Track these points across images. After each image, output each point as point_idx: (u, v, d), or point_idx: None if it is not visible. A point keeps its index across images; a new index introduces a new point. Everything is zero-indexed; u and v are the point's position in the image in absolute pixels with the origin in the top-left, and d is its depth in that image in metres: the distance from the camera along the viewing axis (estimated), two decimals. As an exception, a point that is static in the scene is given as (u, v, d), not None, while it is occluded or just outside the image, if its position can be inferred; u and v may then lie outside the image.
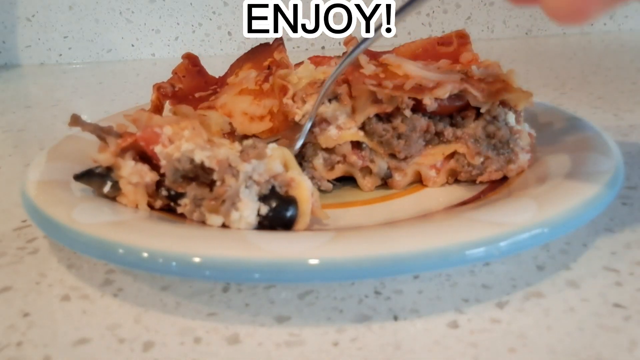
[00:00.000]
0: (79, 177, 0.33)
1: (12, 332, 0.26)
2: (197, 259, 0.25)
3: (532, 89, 0.38)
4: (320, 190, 0.38)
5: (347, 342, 0.24)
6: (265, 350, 0.24)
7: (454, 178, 0.38)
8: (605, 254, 0.29)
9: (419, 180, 0.39)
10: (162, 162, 0.31)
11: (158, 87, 0.43)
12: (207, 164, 0.29)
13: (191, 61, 0.48)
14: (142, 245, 0.26)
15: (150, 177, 0.32)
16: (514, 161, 0.37)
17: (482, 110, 0.37)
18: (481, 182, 0.37)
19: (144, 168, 0.32)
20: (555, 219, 0.26)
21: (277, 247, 0.25)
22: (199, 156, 0.29)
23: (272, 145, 0.31)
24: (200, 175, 0.30)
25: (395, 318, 0.25)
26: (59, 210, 0.29)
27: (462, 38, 0.43)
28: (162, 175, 0.31)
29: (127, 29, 1.03)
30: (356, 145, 0.38)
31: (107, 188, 0.32)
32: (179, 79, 0.45)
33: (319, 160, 0.38)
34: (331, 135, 0.37)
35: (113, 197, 0.33)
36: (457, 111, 0.38)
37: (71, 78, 0.93)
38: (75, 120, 0.33)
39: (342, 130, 0.37)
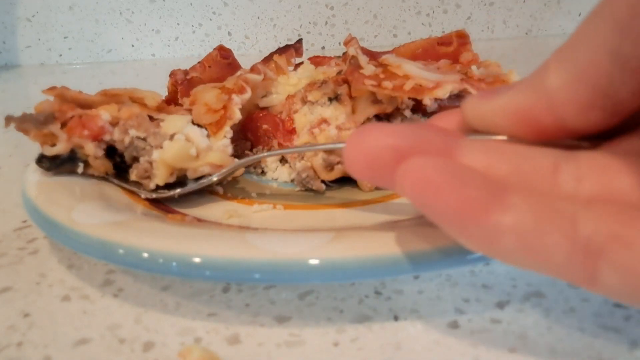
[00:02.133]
0: (50, 169, 0.34)
1: (12, 332, 0.26)
2: (197, 259, 0.25)
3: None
4: (312, 190, 0.38)
5: (348, 342, 0.24)
6: (265, 350, 0.24)
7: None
8: (605, 254, 0.29)
9: (419, 180, 0.39)
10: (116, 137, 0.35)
11: (171, 73, 0.45)
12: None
13: (221, 53, 0.48)
14: (142, 245, 0.26)
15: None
16: (514, 161, 0.37)
17: (482, 110, 0.37)
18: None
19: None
20: (555, 219, 0.26)
21: (277, 247, 0.25)
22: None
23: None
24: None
25: (396, 318, 0.25)
26: (59, 211, 0.29)
27: (462, 38, 0.43)
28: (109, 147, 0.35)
29: (127, 29, 1.03)
30: (356, 145, 0.38)
31: (80, 169, 0.35)
32: (203, 68, 0.46)
33: (318, 161, 0.38)
34: (331, 135, 0.37)
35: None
36: (457, 111, 0.37)
37: (71, 78, 0.93)
38: (9, 120, 0.34)
39: (342, 130, 0.37)
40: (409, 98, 0.36)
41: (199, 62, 0.47)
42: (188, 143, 0.34)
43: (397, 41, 1.04)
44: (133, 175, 0.35)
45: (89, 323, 0.26)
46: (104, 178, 0.36)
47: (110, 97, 0.37)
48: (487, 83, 0.37)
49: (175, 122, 0.35)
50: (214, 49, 0.49)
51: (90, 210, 0.30)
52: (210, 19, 1.03)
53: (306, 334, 0.25)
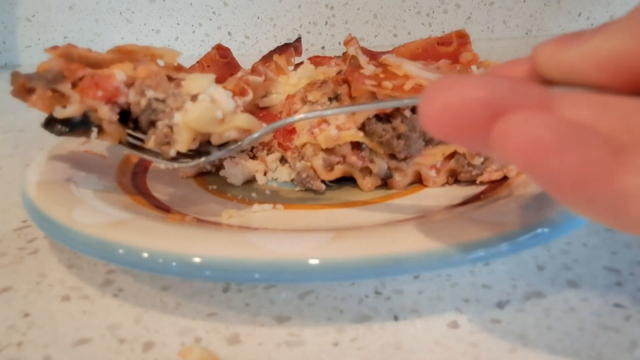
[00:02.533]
0: (62, 132, 0.31)
1: (13, 332, 0.26)
2: (197, 259, 0.25)
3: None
4: (312, 190, 0.38)
5: (348, 342, 0.24)
6: (265, 350, 0.24)
7: (454, 178, 0.38)
8: (605, 254, 0.29)
9: (419, 180, 0.39)
10: (131, 99, 0.31)
11: None
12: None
13: (220, 52, 0.48)
14: (142, 245, 0.26)
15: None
16: (514, 161, 0.37)
17: (482, 110, 0.37)
18: (481, 182, 0.37)
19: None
20: (555, 218, 0.26)
21: (277, 247, 0.25)
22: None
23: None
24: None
25: (396, 318, 0.25)
26: (59, 211, 0.29)
27: (462, 38, 0.43)
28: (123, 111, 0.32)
29: (127, 29, 1.03)
30: (356, 145, 0.38)
31: (94, 135, 0.32)
32: (202, 68, 0.45)
33: (318, 161, 0.38)
34: (331, 135, 0.37)
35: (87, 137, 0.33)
36: (457, 111, 0.37)
37: (71, 78, 0.93)
38: (15, 76, 0.31)
39: (342, 130, 0.37)
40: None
41: (197, 62, 0.47)
42: (213, 104, 0.30)
43: (397, 41, 1.04)
44: (151, 141, 0.31)
45: (89, 323, 0.26)
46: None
47: (124, 54, 0.33)
48: (487, 83, 0.37)
49: (198, 81, 0.31)
50: (213, 48, 0.49)
51: (90, 210, 0.30)
52: (210, 19, 1.03)
53: (306, 334, 0.25)
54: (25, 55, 1.05)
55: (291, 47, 0.47)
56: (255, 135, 0.32)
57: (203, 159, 0.32)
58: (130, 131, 0.32)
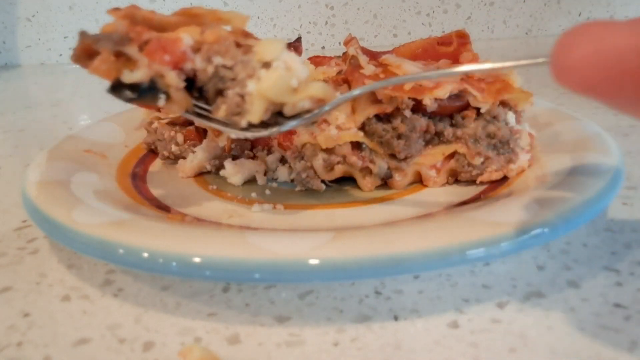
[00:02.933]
0: (130, 99, 0.29)
1: (13, 332, 0.26)
2: (197, 259, 0.25)
3: (532, 89, 0.38)
4: (312, 190, 0.38)
5: (348, 342, 0.24)
6: (265, 350, 0.24)
7: (454, 178, 0.38)
8: (605, 254, 0.29)
9: (419, 180, 0.39)
10: (198, 65, 0.29)
11: None
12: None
13: None
14: (142, 245, 0.26)
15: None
16: (514, 161, 0.37)
17: (482, 110, 0.37)
18: (481, 182, 0.37)
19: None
20: (555, 219, 0.26)
21: (277, 247, 0.25)
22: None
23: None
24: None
25: (396, 318, 0.25)
26: (59, 210, 0.29)
27: (462, 38, 0.43)
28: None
29: (127, 29, 1.03)
30: (356, 145, 0.38)
31: (162, 101, 0.29)
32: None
33: (318, 161, 0.38)
34: (331, 135, 0.37)
35: (157, 109, 0.30)
36: (457, 111, 0.38)
37: (71, 78, 0.93)
38: (83, 35, 0.29)
39: (342, 130, 0.37)
40: (409, 98, 0.36)
41: None
42: (288, 72, 0.28)
43: (397, 41, 1.04)
44: (221, 111, 0.29)
45: (89, 323, 0.26)
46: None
47: (190, 17, 0.31)
48: (487, 83, 0.37)
49: (271, 47, 0.29)
50: None
51: (90, 210, 0.30)
52: (210, 19, 1.03)
53: (306, 334, 0.25)
54: (25, 55, 1.05)
55: (291, 47, 0.47)
56: (329, 106, 0.29)
57: (276, 129, 0.29)
58: (194, 101, 0.30)
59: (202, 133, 0.43)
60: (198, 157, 0.41)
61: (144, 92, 0.29)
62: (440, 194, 0.37)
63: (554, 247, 0.30)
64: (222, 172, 0.41)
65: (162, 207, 0.36)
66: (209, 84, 0.30)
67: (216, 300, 0.27)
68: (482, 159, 0.37)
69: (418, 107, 0.36)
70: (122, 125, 0.48)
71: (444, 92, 0.35)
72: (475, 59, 0.40)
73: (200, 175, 0.42)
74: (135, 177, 0.41)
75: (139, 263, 0.25)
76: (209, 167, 0.42)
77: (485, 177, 0.37)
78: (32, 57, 1.05)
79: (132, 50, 0.28)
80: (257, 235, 0.27)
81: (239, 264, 0.24)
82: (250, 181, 0.41)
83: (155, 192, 0.39)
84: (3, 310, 0.27)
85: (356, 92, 0.31)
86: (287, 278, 0.25)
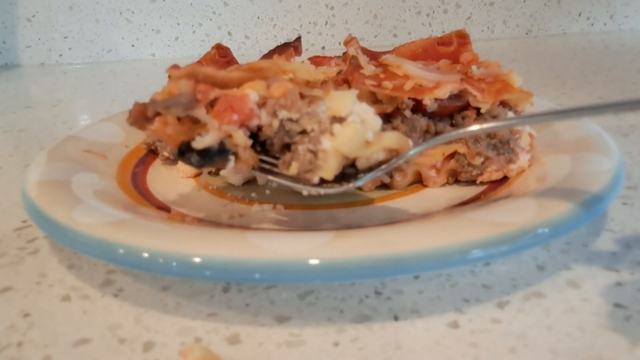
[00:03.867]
0: (201, 164, 0.28)
1: (13, 332, 0.26)
2: (197, 259, 0.25)
3: (532, 89, 0.38)
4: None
5: (348, 342, 0.24)
6: (265, 350, 0.24)
7: (454, 178, 0.38)
8: (605, 254, 0.29)
9: (419, 180, 0.39)
10: (263, 121, 0.28)
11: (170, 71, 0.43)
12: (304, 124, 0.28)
13: (220, 52, 0.48)
14: (142, 245, 0.26)
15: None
16: (514, 161, 0.37)
17: (482, 110, 0.37)
18: (481, 182, 0.37)
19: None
20: (555, 219, 0.26)
21: (277, 247, 0.25)
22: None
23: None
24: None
25: (396, 318, 0.25)
26: (59, 211, 0.29)
27: (462, 38, 0.43)
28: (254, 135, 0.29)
29: (127, 29, 1.03)
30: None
31: (232, 163, 0.28)
32: (201, 67, 0.45)
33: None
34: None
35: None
36: (457, 111, 0.38)
37: (71, 78, 0.93)
38: (153, 104, 0.27)
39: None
40: (409, 98, 0.36)
41: (197, 62, 0.47)
42: (363, 125, 0.27)
43: (397, 41, 1.04)
44: (293, 168, 0.28)
45: (89, 323, 0.26)
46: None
47: (253, 72, 0.30)
48: (487, 83, 0.37)
49: (343, 100, 0.28)
50: (212, 47, 0.49)
51: (90, 210, 0.30)
52: (210, 19, 1.03)
53: (306, 334, 0.25)
54: (25, 55, 1.05)
55: (291, 47, 0.47)
56: (405, 156, 0.28)
57: (352, 184, 0.28)
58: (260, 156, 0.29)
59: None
60: (198, 157, 0.41)
61: (214, 156, 0.28)
62: (440, 194, 0.37)
63: (554, 247, 0.30)
64: (222, 172, 0.41)
65: (162, 207, 0.36)
66: (275, 138, 0.29)
67: (216, 300, 0.27)
68: (482, 159, 0.37)
69: (418, 107, 0.36)
70: (122, 125, 0.48)
71: (444, 92, 0.35)
72: (475, 59, 0.40)
73: (200, 175, 0.42)
74: (135, 177, 0.41)
75: (139, 263, 0.25)
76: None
77: (485, 177, 0.37)
78: (32, 57, 1.05)
79: (201, 113, 0.27)
80: (257, 235, 0.27)
81: (239, 264, 0.24)
82: (250, 181, 0.41)
83: (155, 192, 0.39)
84: (3, 310, 0.27)
85: (434, 141, 0.30)
86: (287, 278, 0.25)
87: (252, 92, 0.28)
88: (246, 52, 1.05)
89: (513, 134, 0.37)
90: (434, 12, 1.04)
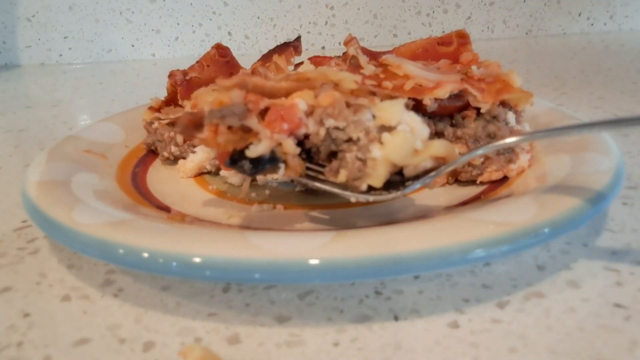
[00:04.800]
0: (253, 172, 0.29)
1: (13, 332, 0.26)
2: (197, 259, 0.25)
3: (532, 89, 0.38)
4: (312, 190, 0.38)
5: (348, 342, 0.24)
6: (265, 350, 0.24)
7: (454, 178, 0.38)
8: (605, 254, 0.29)
9: (419, 180, 0.39)
10: (311, 130, 0.29)
11: (170, 74, 0.44)
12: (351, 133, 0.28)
13: (219, 52, 0.48)
14: (142, 245, 0.26)
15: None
16: (514, 161, 0.37)
17: (482, 110, 0.37)
18: (481, 182, 0.37)
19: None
20: (555, 219, 0.26)
21: (277, 247, 0.25)
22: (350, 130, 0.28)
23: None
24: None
25: (396, 318, 0.25)
26: (59, 211, 0.29)
27: (462, 38, 0.43)
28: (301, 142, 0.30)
29: (127, 29, 1.03)
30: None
31: (282, 171, 0.29)
32: (201, 68, 0.45)
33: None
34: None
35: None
36: (457, 111, 0.37)
37: (71, 78, 0.93)
38: (211, 115, 0.28)
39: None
40: (409, 98, 0.36)
41: (197, 62, 0.47)
42: (413, 135, 0.28)
43: (397, 41, 1.04)
44: (341, 176, 0.29)
45: (89, 323, 0.26)
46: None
47: (302, 82, 0.30)
48: (487, 83, 0.37)
49: (392, 110, 0.29)
50: (212, 47, 0.49)
51: (91, 210, 0.30)
52: (210, 19, 1.03)
53: (306, 334, 0.25)
54: (25, 55, 1.05)
55: (291, 47, 0.47)
56: (452, 165, 0.29)
57: (400, 192, 0.29)
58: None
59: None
60: (198, 157, 0.41)
61: (265, 164, 0.28)
62: (440, 194, 0.37)
63: (554, 247, 0.30)
64: (222, 172, 0.41)
65: (162, 207, 0.36)
66: (321, 146, 0.29)
67: (216, 300, 0.27)
68: (482, 159, 0.37)
69: (418, 107, 0.36)
70: (122, 125, 0.48)
71: (444, 92, 0.35)
72: (475, 59, 0.40)
73: (200, 175, 0.42)
74: (135, 177, 0.41)
75: (139, 263, 0.25)
76: (209, 167, 0.42)
77: (485, 177, 0.37)
78: (32, 57, 1.05)
79: (253, 122, 0.28)
80: (257, 235, 0.27)
81: (239, 264, 0.24)
82: (250, 181, 0.41)
83: (155, 192, 0.39)
84: (3, 310, 0.27)
85: (479, 151, 0.30)
86: (287, 278, 0.25)
87: (300, 102, 0.29)
88: (246, 52, 1.05)
89: (513, 134, 0.37)
90: (434, 12, 1.04)
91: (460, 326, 0.24)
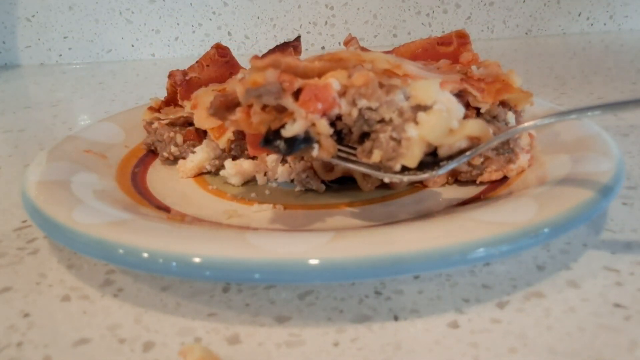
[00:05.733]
0: (288, 152, 0.28)
1: (13, 332, 0.26)
2: (197, 259, 0.25)
3: (532, 89, 0.38)
4: (312, 190, 0.38)
5: (348, 342, 0.24)
6: (265, 350, 0.24)
7: (454, 178, 0.38)
8: (605, 254, 0.29)
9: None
10: (344, 111, 0.29)
11: (170, 75, 0.44)
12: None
13: (219, 52, 0.48)
14: (142, 245, 0.26)
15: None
16: (514, 161, 0.37)
17: (482, 110, 0.37)
18: (481, 182, 0.37)
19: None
20: (555, 219, 0.26)
21: (277, 247, 0.25)
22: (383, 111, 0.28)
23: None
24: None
25: (396, 318, 0.25)
26: (59, 211, 0.29)
27: (462, 38, 0.43)
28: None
29: (127, 29, 1.03)
30: (356, 145, 0.38)
31: (316, 151, 0.29)
32: (201, 68, 0.45)
33: (318, 162, 0.38)
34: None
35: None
36: (457, 111, 0.37)
37: (71, 78, 0.93)
38: (249, 92, 0.27)
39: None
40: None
41: (197, 62, 0.47)
42: (449, 114, 0.28)
43: (397, 41, 1.04)
44: (375, 156, 0.28)
45: (89, 323, 0.26)
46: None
47: (334, 62, 0.30)
48: (487, 83, 0.37)
49: (428, 89, 0.28)
50: (212, 47, 0.49)
51: (90, 210, 0.30)
52: (210, 19, 1.03)
53: (306, 334, 0.25)
54: (25, 55, 1.05)
55: (290, 47, 0.47)
56: (486, 145, 0.29)
57: (435, 172, 0.29)
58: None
59: (201, 134, 0.43)
60: (198, 157, 0.41)
61: (300, 144, 0.28)
62: (440, 194, 0.37)
63: (554, 247, 0.30)
64: (222, 172, 0.41)
65: (162, 207, 0.36)
66: (353, 127, 0.29)
67: (216, 300, 0.27)
68: (482, 159, 0.37)
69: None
70: (122, 125, 0.48)
71: (444, 92, 0.35)
72: (475, 59, 0.40)
73: (200, 175, 0.42)
74: (135, 177, 0.41)
75: (139, 263, 0.25)
76: (209, 167, 0.42)
77: (485, 177, 0.37)
78: (32, 57, 1.05)
79: (288, 102, 0.27)
80: (257, 235, 0.27)
81: (239, 264, 0.24)
82: (250, 181, 0.41)
83: (155, 192, 0.39)
84: (3, 310, 0.27)
85: (511, 132, 0.30)
86: (287, 278, 0.25)
87: (334, 82, 0.28)
88: (246, 52, 1.05)
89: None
90: (433, 12, 1.04)
91: (460, 326, 0.24)
